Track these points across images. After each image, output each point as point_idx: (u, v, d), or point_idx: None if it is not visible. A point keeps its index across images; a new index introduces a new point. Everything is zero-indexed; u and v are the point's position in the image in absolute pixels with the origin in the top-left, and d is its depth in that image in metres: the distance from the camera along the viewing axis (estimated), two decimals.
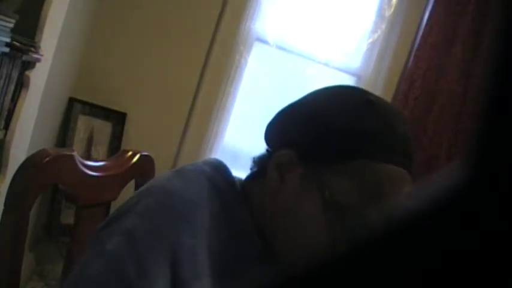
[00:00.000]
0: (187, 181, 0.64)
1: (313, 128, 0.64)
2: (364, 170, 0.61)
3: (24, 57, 1.27)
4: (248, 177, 0.73)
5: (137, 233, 0.57)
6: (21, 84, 1.33)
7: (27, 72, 1.34)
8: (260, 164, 0.71)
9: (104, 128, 2.31)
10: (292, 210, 0.64)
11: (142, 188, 0.65)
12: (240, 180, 0.72)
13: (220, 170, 0.69)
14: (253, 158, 0.72)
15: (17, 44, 1.22)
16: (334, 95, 0.67)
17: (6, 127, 1.31)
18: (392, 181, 0.61)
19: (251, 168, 0.72)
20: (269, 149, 0.70)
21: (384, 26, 2.50)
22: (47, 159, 0.74)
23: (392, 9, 2.50)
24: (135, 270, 0.54)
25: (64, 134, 2.21)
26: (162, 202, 0.60)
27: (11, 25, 1.19)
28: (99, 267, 0.55)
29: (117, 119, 2.34)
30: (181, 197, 0.61)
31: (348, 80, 2.55)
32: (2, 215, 0.73)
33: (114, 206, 0.73)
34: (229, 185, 0.68)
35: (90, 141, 2.29)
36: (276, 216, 0.66)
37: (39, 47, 1.35)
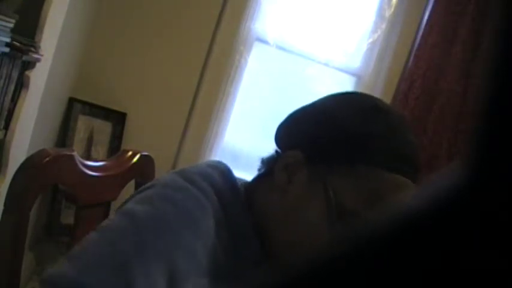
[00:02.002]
0: (191, 183, 0.64)
1: (320, 129, 0.65)
2: (367, 175, 0.61)
3: (24, 57, 1.27)
4: (255, 178, 0.74)
5: (141, 215, 0.58)
6: (21, 84, 1.33)
7: (27, 72, 1.34)
8: (268, 165, 0.71)
9: (104, 128, 2.31)
10: (297, 210, 0.65)
11: (144, 185, 0.65)
12: (243, 182, 0.73)
13: (223, 172, 0.70)
14: (262, 158, 0.73)
15: (17, 44, 1.22)
16: (344, 99, 0.68)
17: (6, 127, 1.31)
18: (394, 189, 0.61)
19: (259, 169, 0.73)
20: (278, 150, 0.71)
21: (384, 26, 2.50)
22: (47, 159, 0.74)
23: (392, 9, 2.50)
24: (133, 247, 0.55)
25: (64, 134, 2.21)
26: (172, 195, 0.61)
27: (11, 25, 1.19)
28: (98, 241, 0.56)
29: (117, 119, 2.34)
30: (192, 195, 0.61)
31: (347, 80, 2.55)
32: (2, 215, 0.73)
33: (114, 206, 0.73)
34: (232, 188, 0.69)
35: (90, 141, 2.29)
36: (279, 216, 0.66)
37: (39, 47, 1.35)
